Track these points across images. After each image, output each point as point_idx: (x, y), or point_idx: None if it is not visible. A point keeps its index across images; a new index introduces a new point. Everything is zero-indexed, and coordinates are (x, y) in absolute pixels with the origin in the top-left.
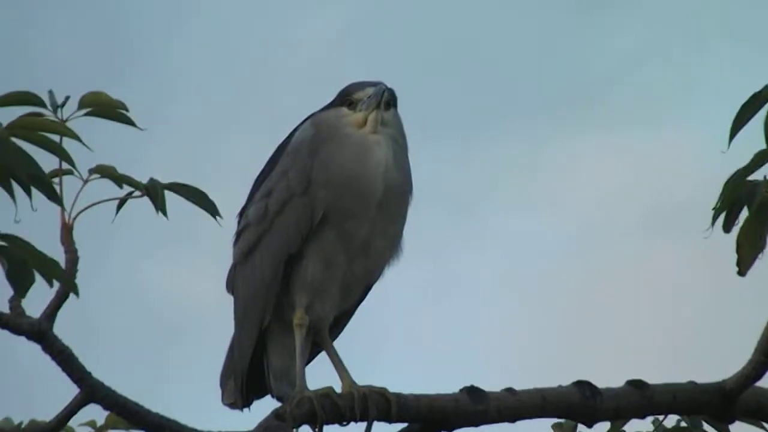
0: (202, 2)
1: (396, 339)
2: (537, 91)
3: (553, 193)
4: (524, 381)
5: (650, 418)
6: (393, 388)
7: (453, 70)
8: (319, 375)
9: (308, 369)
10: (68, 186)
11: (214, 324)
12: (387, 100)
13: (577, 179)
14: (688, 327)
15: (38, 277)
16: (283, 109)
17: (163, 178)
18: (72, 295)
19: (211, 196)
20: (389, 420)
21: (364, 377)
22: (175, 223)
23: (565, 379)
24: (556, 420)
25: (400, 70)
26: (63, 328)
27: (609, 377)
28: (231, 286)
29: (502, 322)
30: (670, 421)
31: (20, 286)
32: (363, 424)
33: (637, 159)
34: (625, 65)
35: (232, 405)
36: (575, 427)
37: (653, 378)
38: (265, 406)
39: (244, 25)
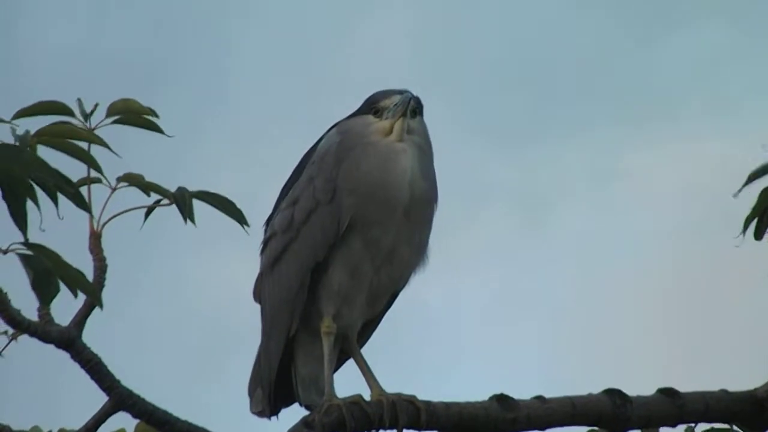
0: (259, 4)
1: (458, 346)
2: (614, 98)
3: (628, 200)
4: (564, 388)
5: (682, 426)
6: (427, 395)
7: (529, 77)
8: (348, 383)
9: (336, 377)
10: (97, 194)
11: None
12: (413, 108)
13: (653, 186)
14: (721, 333)
15: (64, 286)
16: (342, 114)
17: (217, 185)
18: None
19: (259, 204)
20: (418, 428)
21: (408, 385)
22: (218, 222)
23: (598, 387)
24: (588, 428)
25: (474, 77)
26: (103, 335)
27: (644, 385)
28: (258, 294)
29: (557, 329)
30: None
31: (45, 295)
32: None
33: (715, 166)
34: (704, 72)
35: (260, 413)
36: None
37: (685, 386)
38: (293, 415)
39: (302, 28)
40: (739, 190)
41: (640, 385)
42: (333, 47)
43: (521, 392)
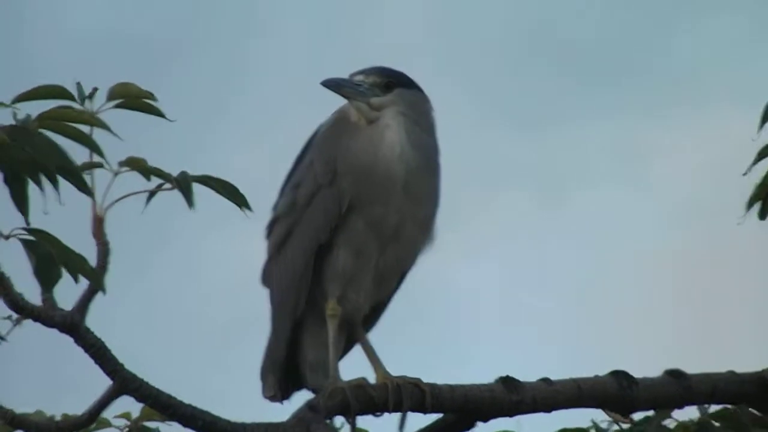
0: None
1: (475, 328)
2: (635, 80)
3: (647, 183)
4: (575, 370)
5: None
6: (438, 378)
7: (549, 59)
8: (354, 366)
9: (343, 361)
10: (100, 178)
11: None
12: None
13: (672, 169)
14: (729, 315)
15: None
16: None
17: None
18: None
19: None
20: (424, 411)
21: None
22: (229, 205)
23: (607, 368)
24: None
25: (492, 58)
26: (109, 320)
27: (653, 366)
28: (266, 279)
29: (571, 311)
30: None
31: (47, 281)
32: (397, 415)
33: (736, 150)
34: (727, 55)
35: (272, 398)
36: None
37: (694, 368)
38: (306, 399)
39: (318, 20)
40: (749, 168)
41: (648, 367)
42: (348, 28)
43: (533, 375)
